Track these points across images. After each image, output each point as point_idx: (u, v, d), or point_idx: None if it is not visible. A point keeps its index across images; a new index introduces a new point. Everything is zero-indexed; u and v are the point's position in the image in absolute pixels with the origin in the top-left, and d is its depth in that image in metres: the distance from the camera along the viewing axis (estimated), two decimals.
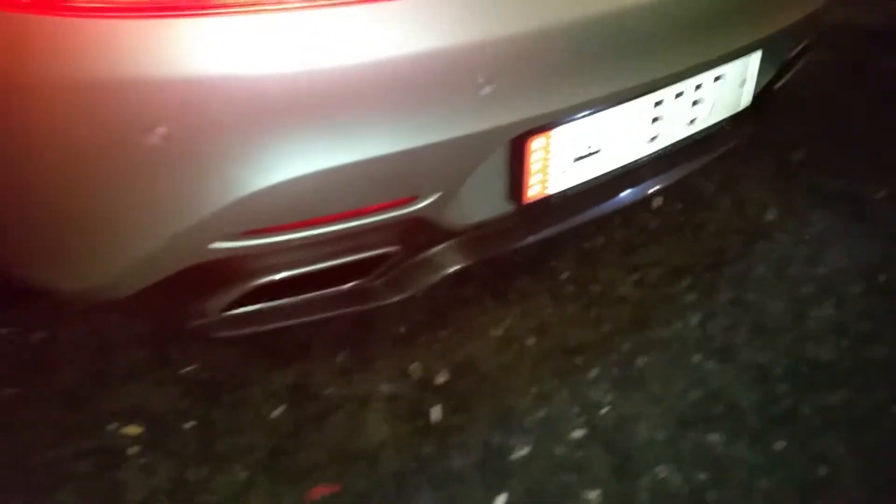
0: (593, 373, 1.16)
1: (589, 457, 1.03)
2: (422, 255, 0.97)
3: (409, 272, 0.97)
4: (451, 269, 0.99)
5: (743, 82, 1.13)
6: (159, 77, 0.66)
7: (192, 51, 0.66)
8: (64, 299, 0.89)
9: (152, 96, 0.67)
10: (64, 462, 1.01)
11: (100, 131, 0.69)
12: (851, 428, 1.07)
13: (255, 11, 0.68)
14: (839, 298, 1.31)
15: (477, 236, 0.99)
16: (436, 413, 1.09)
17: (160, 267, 0.79)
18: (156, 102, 0.67)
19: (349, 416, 1.09)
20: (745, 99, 1.17)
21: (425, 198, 0.86)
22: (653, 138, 1.05)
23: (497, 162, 0.92)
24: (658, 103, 1.01)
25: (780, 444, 1.05)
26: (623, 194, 1.11)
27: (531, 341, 1.22)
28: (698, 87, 1.05)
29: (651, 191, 1.14)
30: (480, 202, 0.95)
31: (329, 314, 0.95)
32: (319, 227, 0.81)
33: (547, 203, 1.00)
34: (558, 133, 0.93)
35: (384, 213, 0.84)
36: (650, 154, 1.07)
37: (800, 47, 1.24)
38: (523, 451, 1.04)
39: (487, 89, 0.79)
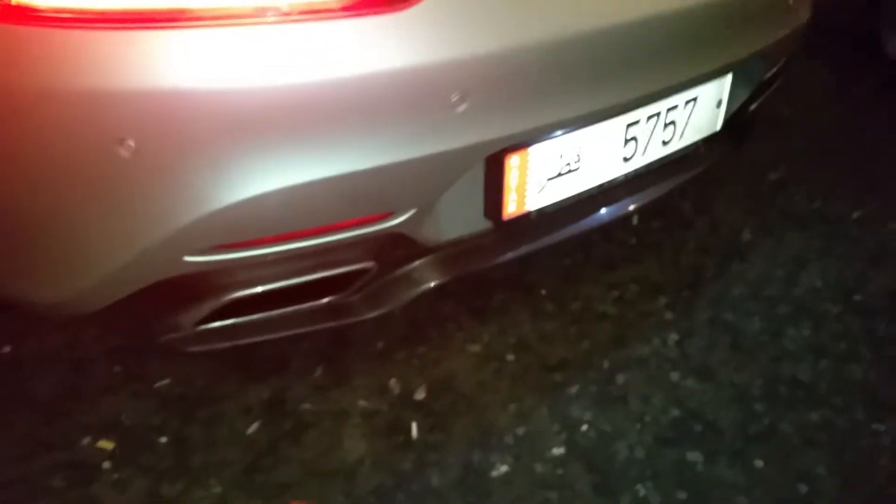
0: (573, 390, 1.16)
1: (569, 474, 1.03)
2: (399, 271, 0.98)
3: (386, 288, 0.97)
4: (429, 285, 1.00)
5: (717, 104, 1.16)
6: (129, 89, 0.67)
7: (163, 63, 0.67)
8: (35, 311, 0.88)
9: (122, 108, 0.67)
10: (37, 476, 1.00)
11: (69, 143, 0.69)
12: (831, 447, 1.07)
13: (230, 25, 0.69)
14: (816, 318, 1.32)
15: (455, 253, 1.00)
16: (414, 429, 1.08)
17: (132, 280, 0.79)
18: (125, 114, 0.68)
19: (326, 432, 1.08)
20: (720, 121, 1.19)
21: (401, 214, 0.87)
22: (627, 158, 1.07)
23: (474, 179, 0.93)
24: (632, 124, 1.03)
25: (759, 463, 1.05)
26: (600, 212, 1.12)
27: (510, 358, 1.22)
28: (672, 108, 1.07)
29: (628, 210, 1.16)
30: (457, 219, 0.96)
31: (305, 329, 0.95)
32: (293, 242, 0.82)
33: (525, 220, 1.01)
34: (535, 151, 0.95)
35: (360, 229, 0.85)
36: (626, 173, 1.09)
37: (773, 70, 1.27)
38: (503, 469, 1.03)
39: (462, 107, 0.81)
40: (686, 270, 1.43)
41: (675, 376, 1.19)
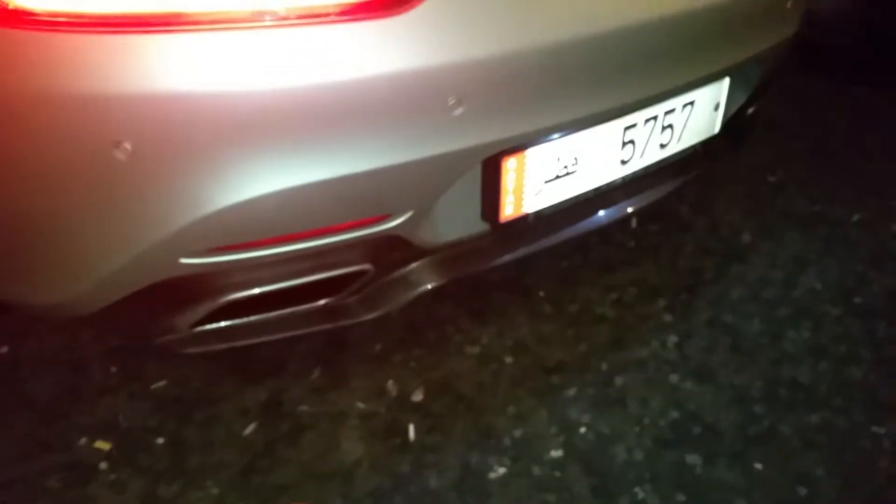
0: (571, 392, 1.16)
1: (567, 477, 1.02)
2: (396, 273, 0.98)
3: (383, 290, 0.97)
4: (427, 288, 1.00)
5: (715, 108, 1.16)
6: (126, 92, 0.67)
7: (160, 67, 0.67)
8: (32, 312, 0.89)
9: (118, 111, 0.67)
10: (34, 477, 1.00)
11: (66, 146, 0.70)
12: (830, 449, 1.07)
13: (227, 29, 0.69)
14: (816, 320, 1.32)
15: (452, 255, 1.00)
16: (412, 431, 1.08)
17: (129, 282, 0.79)
18: (122, 118, 0.68)
19: (323, 434, 1.08)
20: (718, 124, 1.19)
21: (398, 216, 0.87)
22: (625, 161, 1.07)
23: (471, 181, 0.93)
24: (630, 127, 1.03)
25: (758, 465, 1.04)
26: (598, 215, 1.12)
27: (508, 360, 1.22)
28: (669, 112, 1.07)
29: (626, 212, 1.16)
30: (455, 221, 0.96)
31: (302, 331, 0.95)
32: (290, 245, 0.82)
33: (522, 223, 1.01)
34: (532, 154, 0.95)
35: (356, 231, 0.85)
36: (624, 176, 1.09)
37: (771, 73, 1.27)
38: (501, 471, 1.03)
39: (459, 110, 0.81)
40: (685, 273, 1.43)
41: (674, 378, 1.19)
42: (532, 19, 0.83)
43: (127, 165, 0.69)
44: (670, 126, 1.10)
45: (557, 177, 1.00)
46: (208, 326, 0.88)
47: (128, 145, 0.68)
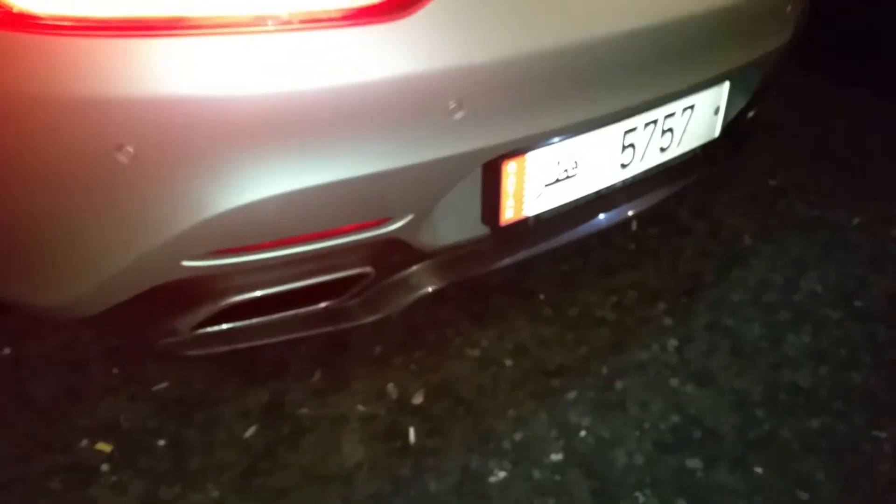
0: (571, 395, 1.16)
1: (567, 481, 1.02)
2: (397, 276, 0.98)
3: (383, 293, 0.97)
4: (427, 291, 1.00)
5: (715, 111, 1.16)
6: (129, 95, 0.67)
7: (163, 70, 0.68)
8: (33, 313, 0.89)
9: (121, 115, 0.68)
10: (35, 478, 1.00)
11: (68, 148, 0.70)
12: (831, 453, 1.07)
13: (230, 33, 0.70)
14: (816, 324, 1.32)
15: (452, 258, 1.00)
16: (412, 435, 1.08)
17: (130, 284, 0.80)
18: (125, 121, 0.68)
19: (324, 437, 1.08)
20: (718, 127, 1.20)
21: (398, 219, 0.87)
22: (625, 165, 1.08)
23: (471, 185, 0.93)
24: (630, 131, 1.04)
25: (759, 469, 1.04)
26: (598, 218, 1.12)
27: (508, 363, 1.22)
28: (669, 116, 1.08)
29: (626, 215, 1.16)
30: (455, 224, 0.96)
31: (303, 334, 0.96)
32: (291, 247, 0.82)
33: (522, 226, 1.01)
34: (532, 157, 0.95)
35: (357, 234, 0.85)
36: (624, 180, 1.09)
37: (771, 77, 1.27)
38: (501, 475, 1.03)
39: (459, 114, 0.81)
40: (685, 276, 1.43)
41: (674, 382, 1.19)
42: (533, 24, 0.84)
43: (129, 168, 0.69)
44: (670, 130, 1.10)
45: (558, 180, 1.00)
46: (210, 329, 0.88)
47: (130, 148, 0.69)
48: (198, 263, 0.78)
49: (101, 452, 1.05)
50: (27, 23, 0.66)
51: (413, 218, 0.88)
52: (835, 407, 1.15)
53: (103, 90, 0.67)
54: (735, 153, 1.33)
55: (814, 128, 2.01)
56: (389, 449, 1.06)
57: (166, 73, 0.68)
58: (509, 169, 0.93)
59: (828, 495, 1.00)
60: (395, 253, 0.93)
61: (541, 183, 0.98)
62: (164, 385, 1.16)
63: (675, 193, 1.21)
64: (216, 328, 0.88)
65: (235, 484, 1.01)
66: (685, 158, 1.17)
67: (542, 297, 1.36)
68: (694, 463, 1.05)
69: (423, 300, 1.01)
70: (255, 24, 0.70)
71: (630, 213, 1.16)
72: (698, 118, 1.13)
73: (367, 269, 0.92)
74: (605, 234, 1.48)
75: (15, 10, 0.66)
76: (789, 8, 1.17)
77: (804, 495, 1.01)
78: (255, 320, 0.90)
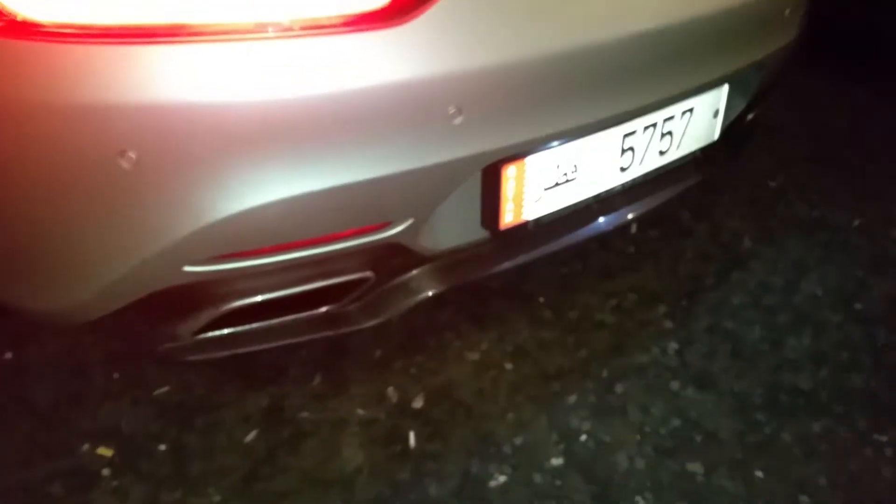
0: (571, 399, 1.16)
1: (568, 485, 1.02)
2: (397, 280, 0.98)
3: (383, 297, 0.97)
4: (427, 295, 1.00)
5: (714, 115, 1.17)
6: (131, 102, 0.68)
7: (165, 77, 0.68)
8: (34, 318, 0.89)
9: (124, 121, 0.68)
10: (36, 483, 1.00)
11: (71, 154, 0.70)
12: (832, 457, 1.06)
13: (232, 40, 0.70)
14: (817, 327, 1.32)
15: (452, 262, 1.00)
16: (412, 439, 1.08)
17: (130, 290, 0.80)
18: (127, 127, 0.69)
19: (324, 441, 1.08)
20: (717, 130, 1.20)
21: (398, 224, 0.87)
22: (624, 168, 1.08)
23: (471, 189, 0.94)
24: (629, 134, 1.04)
25: (759, 474, 1.04)
26: (598, 222, 1.12)
27: (508, 366, 1.22)
28: (668, 119, 1.08)
29: (626, 219, 1.16)
30: (455, 228, 0.97)
31: (303, 338, 0.96)
32: (291, 252, 0.82)
33: (522, 230, 1.01)
34: (531, 161, 0.95)
35: (357, 239, 0.86)
36: (623, 183, 1.10)
37: (770, 79, 1.28)
38: (501, 479, 1.03)
39: (459, 119, 0.82)
40: (685, 279, 1.43)
41: (674, 385, 1.19)
42: (532, 29, 0.84)
43: (131, 174, 0.70)
44: (669, 133, 1.10)
45: (557, 184, 1.01)
46: (211, 334, 0.88)
47: (132, 154, 0.69)
48: (199, 268, 0.78)
49: (102, 457, 1.05)
50: (31, 30, 0.67)
51: (413, 222, 0.88)
52: (836, 410, 1.15)
53: (106, 97, 0.68)
54: (734, 156, 1.34)
55: (813, 126, 2.01)
56: (389, 453, 1.06)
57: (168, 79, 0.68)
58: (509, 173, 0.93)
59: (829, 499, 1.00)
60: (395, 257, 0.93)
61: (540, 187, 0.99)
62: (164, 390, 1.17)
63: (674, 196, 1.22)
64: (217, 333, 0.89)
65: (236, 488, 1.01)
66: (685, 162, 1.17)
67: (541, 300, 1.36)
68: (695, 467, 1.05)
69: (422, 304, 1.01)
70: (256, 30, 0.71)
71: (630, 216, 1.16)
72: (697, 121, 1.14)
73: (368, 274, 0.92)
74: (604, 238, 1.48)
75: (19, 18, 0.67)
76: (788, 11, 1.18)
77: (805, 499, 1.00)
78: (256, 325, 0.90)
